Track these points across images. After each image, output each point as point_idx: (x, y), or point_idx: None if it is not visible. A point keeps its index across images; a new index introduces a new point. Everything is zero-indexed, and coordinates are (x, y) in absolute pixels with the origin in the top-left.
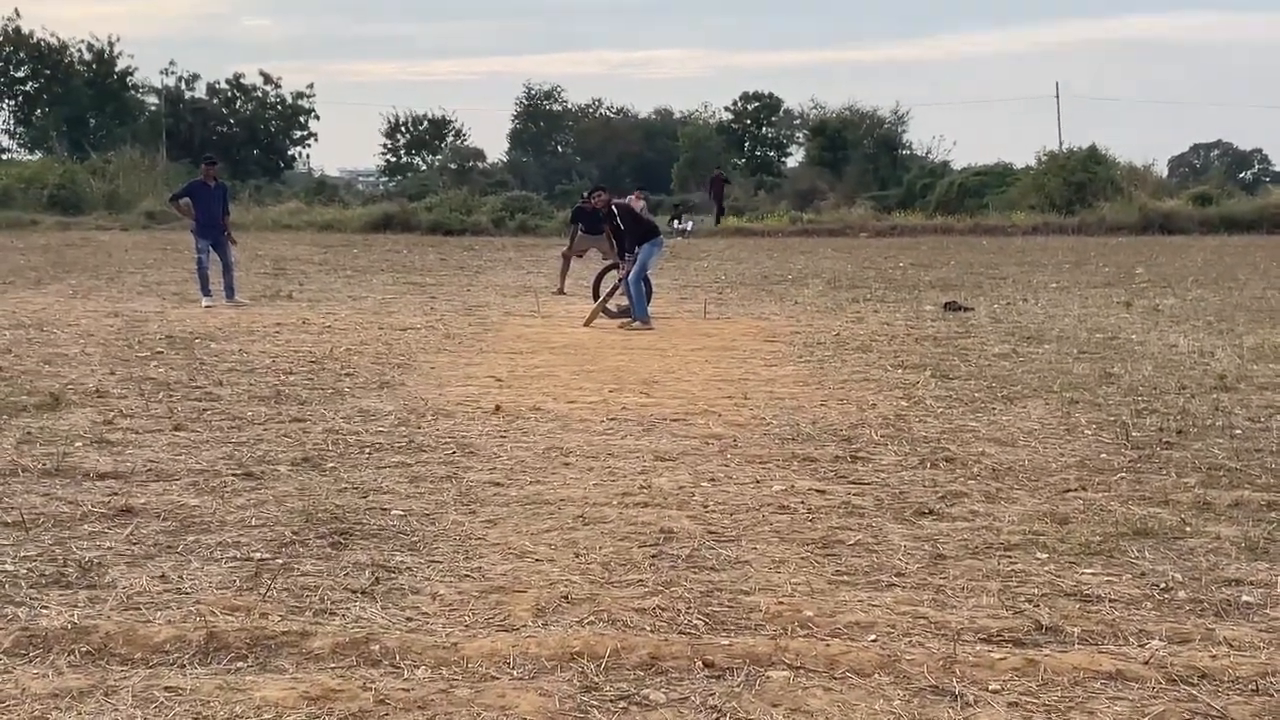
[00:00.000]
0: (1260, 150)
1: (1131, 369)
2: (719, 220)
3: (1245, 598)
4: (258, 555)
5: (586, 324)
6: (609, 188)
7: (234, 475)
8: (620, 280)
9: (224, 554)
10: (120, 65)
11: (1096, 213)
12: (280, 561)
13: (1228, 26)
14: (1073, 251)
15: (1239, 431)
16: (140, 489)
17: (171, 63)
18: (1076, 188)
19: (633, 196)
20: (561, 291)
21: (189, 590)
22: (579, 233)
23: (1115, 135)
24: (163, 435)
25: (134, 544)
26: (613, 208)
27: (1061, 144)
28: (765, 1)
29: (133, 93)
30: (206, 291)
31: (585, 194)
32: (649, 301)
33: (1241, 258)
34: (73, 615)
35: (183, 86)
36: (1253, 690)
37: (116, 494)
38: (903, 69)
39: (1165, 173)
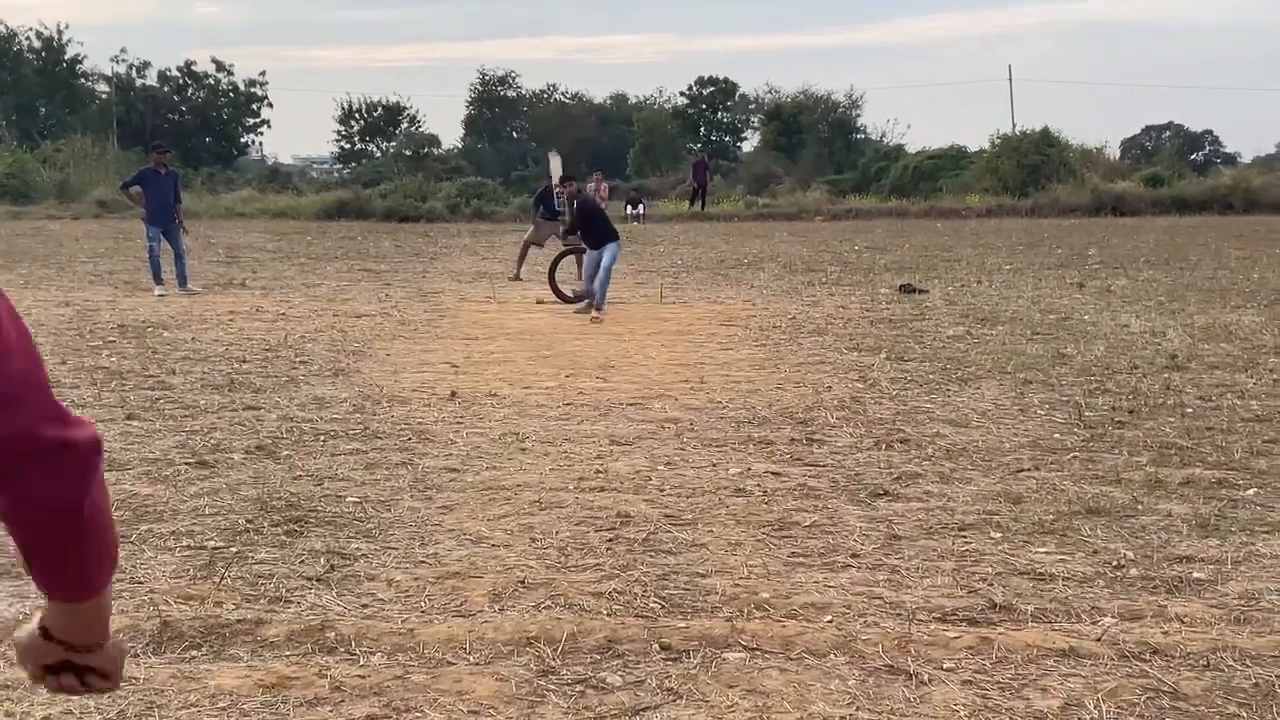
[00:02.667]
0: (1211, 131)
1: (1084, 349)
2: (704, 205)
3: (1196, 574)
4: (212, 544)
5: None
6: (576, 176)
7: (187, 464)
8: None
9: (178, 543)
10: (70, 53)
11: (1050, 195)
12: (234, 550)
13: (1179, 9)
14: (1026, 233)
15: (1190, 410)
16: None
17: (122, 50)
18: (1030, 170)
19: (593, 181)
20: (518, 277)
21: (142, 580)
22: (539, 218)
23: (1068, 117)
24: (115, 425)
25: None
26: (576, 202)
27: (1015, 127)
28: None
29: (83, 81)
30: (159, 280)
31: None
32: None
33: (1192, 238)
34: (24, 606)
35: (134, 74)
36: (1204, 665)
37: None
38: (857, 53)
39: (1117, 154)
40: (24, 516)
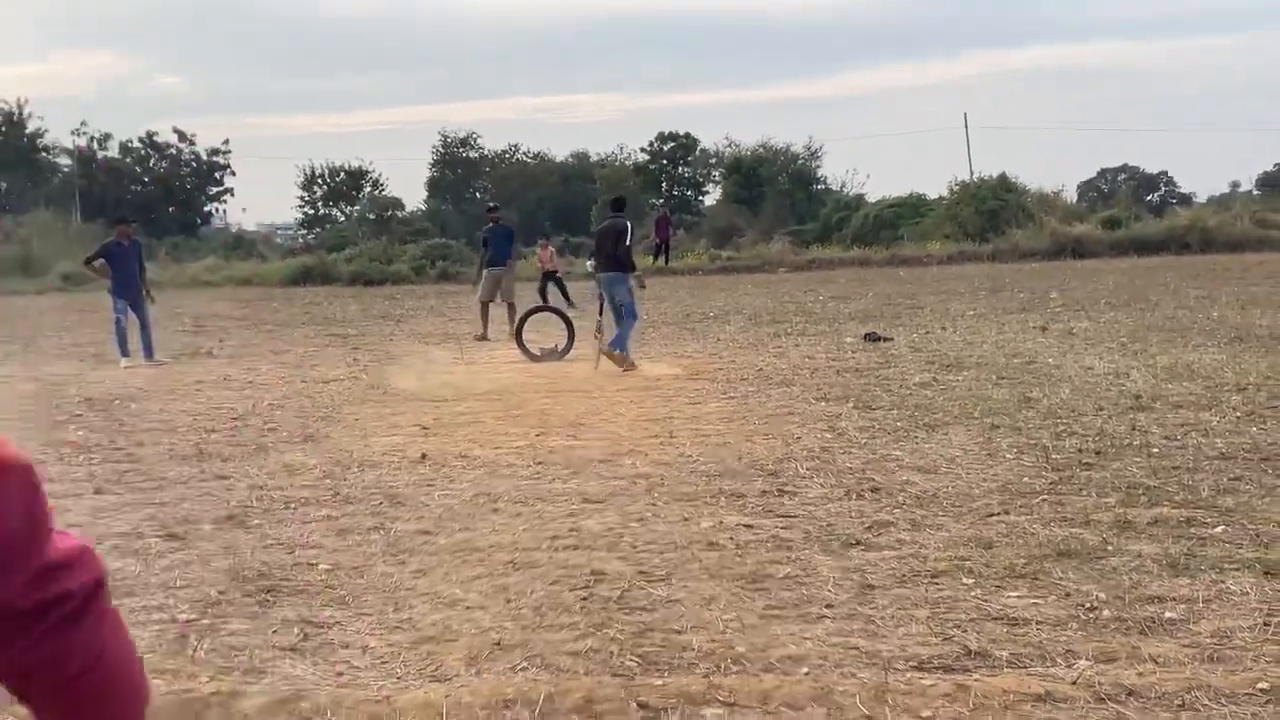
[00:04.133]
0: (1166, 173)
1: (1049, 392)
2: (668, 260)
3: (1168, 614)
4: (184, 616)
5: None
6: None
7: (158, 537)
8: (600, 318)
9: (150, 617)
10: (31, 127)
11: (1009, 239)
12: (207, 622)
13: (1129, 54)
14: (988, 278)
15: (1156, 450)
16: None
17: (83, 123)
18: (989, 216)
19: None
20: (484, 337)
21: None
22: (484, 267)
23: (1024, 163)
24: (84, 499)
25: None
26: (629, 224)
27: (972, 173)
28: (679, 44)
29: (44, 155)
30: (125, 351)
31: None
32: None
33: (1151, 279)
34: None
35: (95, 146)
36: (1179, 705)
37: None
38: (814, 105)
39: (1075, 197)
40: (35, 687)
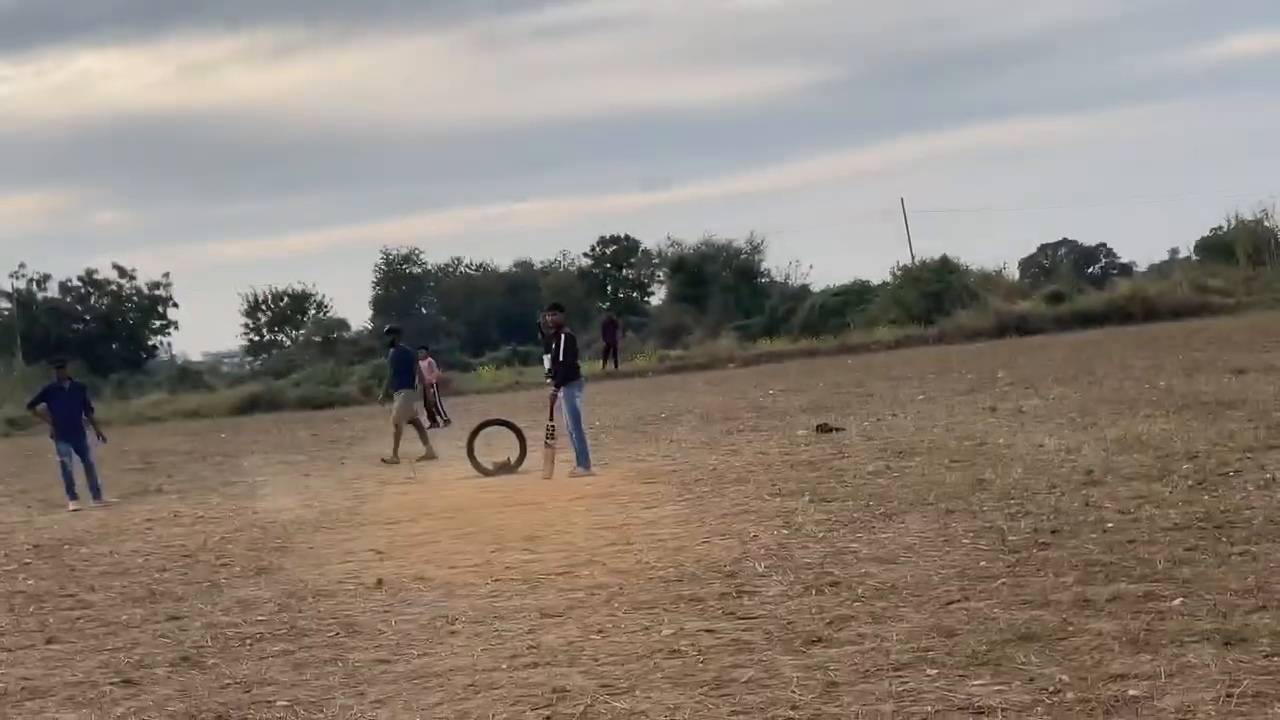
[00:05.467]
0: (1104, 244)
1: (1002, 473)
2: (617, 364)
3: (1131, 691)
4: None
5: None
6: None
7: (112, 684)
8: (549, 426)
9: None
10: None
11: (954, 321)
12: None
13: (1059, 130)
14: (935, 361)
15: (1110, 525)
16: (15, 709)
17: (21, 265)
18: (933, 298)
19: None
20: (394, 460)
21: None
22: (392, 388)
23: (964, 243)
24: (36, 650)
25: None
26: (563, 333)
27: (913, 257)
28: (615, 148)
29: None
30: (72, 494)
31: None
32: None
33: (1097, 351)
34: None
35: (34, 288)
36: None
37: None
38: (752, 199)
39: (1017, 274)
40: None
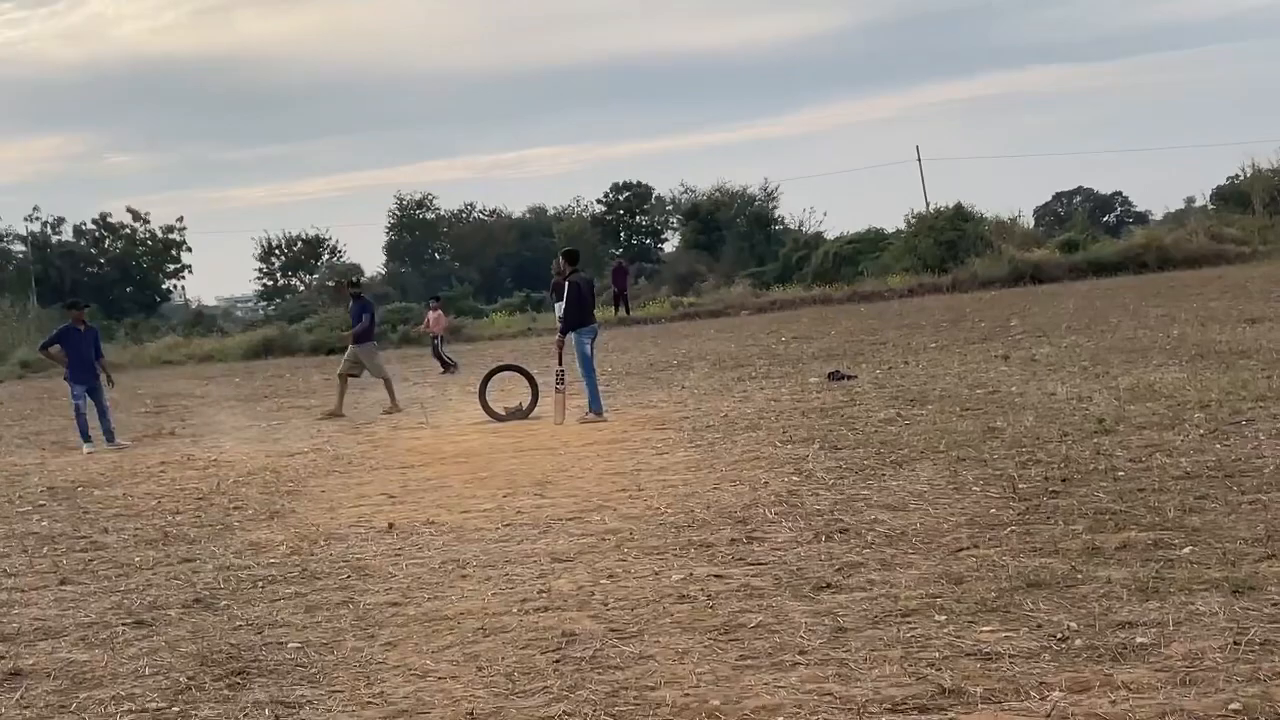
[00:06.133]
0: (1120, 193)
1: (1013, 421)
2: (629, 310)
3: (1139, 639)
4: (153, 705)
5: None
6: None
7: (125, 625)
8: (559, 371)
9: (119, 708)
10: None
11: (968, 269)
12: (177, 709)
13: (1078, 77)
14: (948, 310)
15: (1121, 473)
16: (29, 649)
17: (35, 208)
18: (947, 246)
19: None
20: (339, 414)
21: None
22: (353, 343)
23: (979, 191)
24: (49, 591)
25: (25, 708)
26: (567, 283)
27: (928, 205)
28: (629, 93)
29: None
30: (86, 437)
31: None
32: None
33: (1111, 300)
34: None
35: (49, 231)
36: None
37: (4, 657)
38: (767, 146)
39: (1031, 223)
40: None
